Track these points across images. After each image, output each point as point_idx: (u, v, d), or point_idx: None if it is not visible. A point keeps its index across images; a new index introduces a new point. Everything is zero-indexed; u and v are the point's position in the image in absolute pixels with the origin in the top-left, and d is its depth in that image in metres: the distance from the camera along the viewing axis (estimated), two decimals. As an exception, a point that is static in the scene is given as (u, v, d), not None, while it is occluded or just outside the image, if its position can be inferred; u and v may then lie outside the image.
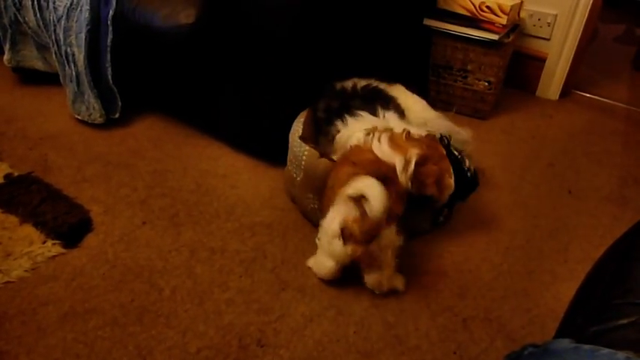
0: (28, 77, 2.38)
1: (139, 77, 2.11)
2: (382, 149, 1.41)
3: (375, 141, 1.43)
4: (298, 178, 1.64)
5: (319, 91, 1.80)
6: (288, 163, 1.71)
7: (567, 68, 2.49)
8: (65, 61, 2.04)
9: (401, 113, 1.69)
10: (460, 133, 1.80)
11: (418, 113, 1.78)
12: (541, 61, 2.51)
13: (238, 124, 1.95)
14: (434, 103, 2.39)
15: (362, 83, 1.77)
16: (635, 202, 1.89)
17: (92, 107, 2.06)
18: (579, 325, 0.90)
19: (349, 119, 1.61)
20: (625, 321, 0.81)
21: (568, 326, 0.98)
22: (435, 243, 1.66)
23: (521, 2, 2.34)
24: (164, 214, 1.70)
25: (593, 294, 0.98)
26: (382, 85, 1.79)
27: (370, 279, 1.42)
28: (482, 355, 1.32)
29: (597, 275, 1.05)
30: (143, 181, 1.84)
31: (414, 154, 1.40)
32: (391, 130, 1.49)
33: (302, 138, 1.61)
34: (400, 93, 1.81)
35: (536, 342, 0.77)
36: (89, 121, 2.09)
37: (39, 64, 2.28)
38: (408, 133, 1.47)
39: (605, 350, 0.68)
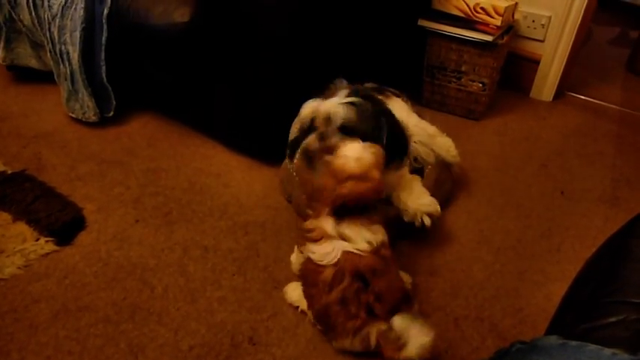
0: (22, 75, 2.37)
1: (134, 76, 2.11)
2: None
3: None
4: (297, 178, 1.64)
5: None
6: (288, 161, 1.71)
7: (561, 70, 2.49)
8: (60, 60, 2.04)
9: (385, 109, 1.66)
10: (449, 150, 1.80)
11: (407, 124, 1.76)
12: (535, 62, 2.52)
13: (232, 123, 1.95)
14: (428, 104, 2.41)
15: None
16: (628, 203, 1.90)
17: (86, 105, 2.05)
18: (568, 323, 0.91)
19: None
20: (614, 319, 0.82)
21: (558, 324, 0.98)
22: (426, 242, 1.66)
23: (516, 4, 2.35)
24: (157, 212, 1.71)
25: (583, 293, 0.99)
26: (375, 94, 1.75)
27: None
28: (473, 354, 1.32)
29: (587, 274, 1.06)
30: (136, 179, 1.84)
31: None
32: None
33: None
34: (394, 104, 1.78)
35: (524, 339, 0.77)
36: (83, 120, 2.09)
37: (33, 62, 2.28)
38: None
39: (592, 346, 0.69)
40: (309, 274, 1.31)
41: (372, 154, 1.30)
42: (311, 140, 1.37)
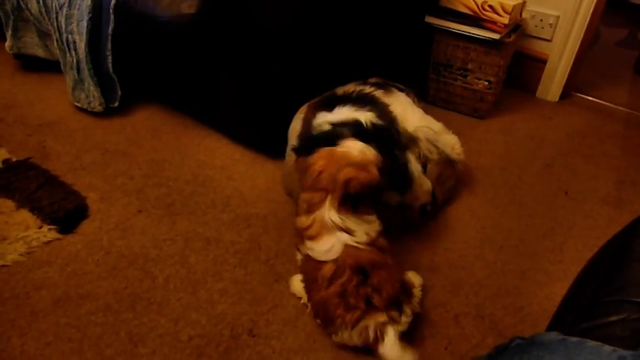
0: (29, 64, 2.38)
1: (140, 66, 2.11)
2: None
3: None
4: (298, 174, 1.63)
5: (320, 92, 1.79)
6: (287, 157, 1.71)
7: (568, 70, 2.49)
8: (66, 49, 2.04)
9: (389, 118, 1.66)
10: (454, 148, 1.78)
11: (411, 121, 1.75)
12: (542, 62, 2.51)
13: (237, 116, 1.95)
14: (433, 102, 2.41)
15: (357, 89, 1.74)
16: (632, 204, 1.89)
17: (92, 95, 2.06)
18: (569, 321, 0.91)
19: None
20: (615, 318, 0.81)
21: (558, 323, 0.98)
22: (429, 239, 1.66)
23: (524, 2, 2.34)
24: (160, 203, 1.71)
25: (584, 292, 0.98)
26: (378, 93, 1.75)
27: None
28: (472, 351, 1.32)
29: (589, 273, 1.05)
30: (140, 170, 1.84)
31: None
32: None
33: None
34: (395, 101, 1.77)
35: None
36: (88, 109, 2.09)
37: (40, 51, 2.28)
38: None
39: (592, 342, 0.69)
40: (309, 270, 1.31)
41: (372, 153, 1.32)
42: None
